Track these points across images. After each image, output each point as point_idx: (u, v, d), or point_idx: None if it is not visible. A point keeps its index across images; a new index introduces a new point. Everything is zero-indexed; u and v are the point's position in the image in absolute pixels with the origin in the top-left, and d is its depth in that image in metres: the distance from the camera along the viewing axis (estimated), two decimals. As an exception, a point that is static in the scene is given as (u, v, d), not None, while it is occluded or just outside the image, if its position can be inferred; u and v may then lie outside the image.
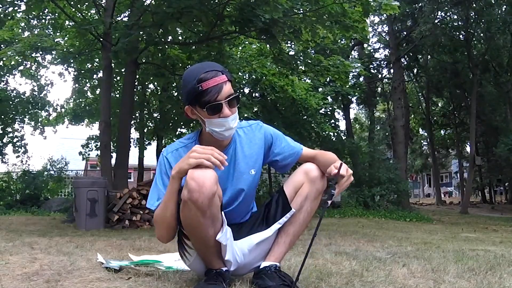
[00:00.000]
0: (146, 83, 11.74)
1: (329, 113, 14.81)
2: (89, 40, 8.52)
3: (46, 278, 1.74)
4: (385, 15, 15.32)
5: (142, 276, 1.82)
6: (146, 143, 13.60)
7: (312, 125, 12.00)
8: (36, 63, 11.87)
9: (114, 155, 8.45)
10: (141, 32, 6.43)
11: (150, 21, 6.58)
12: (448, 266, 2.20)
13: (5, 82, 12.97)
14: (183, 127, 11.78)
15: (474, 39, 17.00)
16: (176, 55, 8.91)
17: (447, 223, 9.95)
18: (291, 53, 10.19)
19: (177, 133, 11.96)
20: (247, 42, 11.06)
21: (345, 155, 13.59)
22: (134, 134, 12.96)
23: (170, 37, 8.24)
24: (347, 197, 15.31)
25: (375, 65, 19.25)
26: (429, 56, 19.44)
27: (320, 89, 12.89)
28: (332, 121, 14.54)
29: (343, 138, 15.16)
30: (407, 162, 18.31)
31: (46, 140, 15.75)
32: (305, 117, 12.09)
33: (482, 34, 16.40)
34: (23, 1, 8.31)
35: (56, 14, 9.46)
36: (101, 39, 7.47)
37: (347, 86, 11.88)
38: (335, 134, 14.30)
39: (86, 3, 8.55)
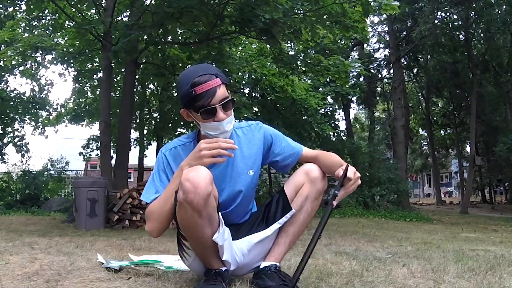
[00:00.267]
0: (146, 83, 11.74)
1: (329, 113, 14.81)
2: (89, 40, 8.53)
3: (46, 278, 1.74)
4: (385, 15, 15.33)
5: (142, 276, 1.82)
6: (146, 143, 13.60)
7: (312, 125, 12.00)
8: (36, 63, 11.87)
9: (114, 155, 8.46)
10: (141, 32, 6.43)
11: (150, 21, 6.58)
12: (448, 266, 2.20)
13: (5, 82, 12.96)
14: (183, 127, 11.78)
15: (474, 39, 17.00)
16: (176, 55, 8.91)
17: (447, 223, 9.95)
18: (291, 53, 10.18)
19: (177, 133, 11.95)
20: (247, 42, 11.06)
21: (345, 155, 13.58)
22: (134, 134, 12.98)
23: (170, 37, 8.24)
24: (347, 197, 15.32)
25: (375, 65, 19.25)
26: (429, 56, 19.44)
27: (320, 89, 12.89)
28: (332, 121, 14.54)
29: (343, 138, 15.15)
30: (407, 162, 18.32)
31: (46, 140, 15.81)
32: (305, 117, 12.08)
33: (482, 34, 16.41)
34: (24, 1, 8.31)
35: (56, 15, 9.46)
36: (101, 39, 7.47)
37: (347, 86, 11.88)
38: (335, 134, 14.29)
39: (86, 3, 8.55)
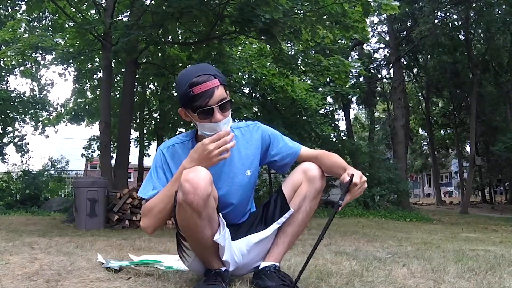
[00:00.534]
0: (146, 83, 11.74)
1: (329, 113, 14.81)
2: (89, 40, 8.53)
3: (46, 278, 1.74)
4: (385, 15, 15.33)
5: (142, 276, 1.82)
6: (147, 143, 13.61)
7: (312, 125, 12.00)
8: (36, 63, 11.87)
9: (114, 155, 8.46)
10: (141, 32, 6.43)
11: (150, 21, 6.58)
12: (448, 266, 2.20)
13: (5, 82, 12.96)
14: (183, 127, 11.78)
15: (474, 39, 17.00)
16: (176, 55, 8.91)
17: (447, 223, 9.95)
18: (291, 53, 10.18)
19: (177, 132, 11.96)
20: (247, 42, 11.06)
21: (345, 155, 13.59)
22: (134, 134, 12.99)
23: (170, 37, 8.24)
24: (347, 197, 15.29)
25: (375, 65, 19.25)
26: (429, 56, 19.43)
27: (319, 89, 12.89)
28: (332, 121, 14.53)
29: (343, 138, 15.15)
30: (407, 162, 18.32)
31: (46, 140, 15.82)
32: (305, 117, 12.09)
33: (482, 34, 16.41)
34: (24, 1, 8.32)
35: (56, 15, 9.46)
36: (101, 39, 7.47)
37: (347, 86, 11.88)
38: (335, 134, 14.29)
39: (86, 3, 8.55)
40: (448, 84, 19.63)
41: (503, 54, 17.28)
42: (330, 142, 13.39)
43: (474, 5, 14.97)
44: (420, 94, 23.53)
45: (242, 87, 11.77)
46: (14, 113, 13.26)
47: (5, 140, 13.76)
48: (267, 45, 8.74)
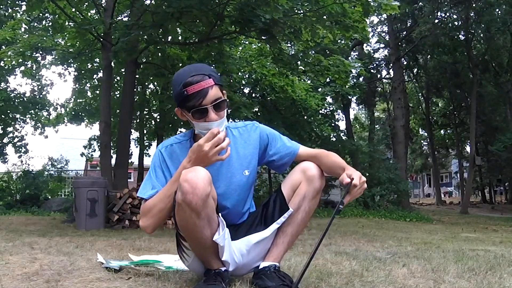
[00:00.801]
0: (146, 83, 11.74)
1: (329, 113, 14.81)
2: (89, 40, 8.53)
3: (46, 278, 1.74)
4: (385, 15, 15.33)
5: (142, 276, 1.82)
6: (147, 143, 13.61)
7: (312, 126, 12.00)
8: (36, 63, 11.88)
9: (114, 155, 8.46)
10: (141, 32, 6.43)
11: (150, 21, 6.58)
12: (448, 266, 2.20)
13: (6, 82, 12.96)
14: (183, 127, 11.78)
15: (474, 39, 17.00)
16: (176, 54, 8.91)
17: (447, 223, 9.95)
18: (291, 53, 10.18)
19: (177, 132, 11.96)
20: (247, 42, 11.06)
21: (345, 155, 13.58)
22: (134, 134, 12.99)
23: (170, 37, 8.25)
24: (347, 198, 15.27)
25: (375, 65, 19.25)
26: (429, 56, 19.44)
27: (319, 90, 12.89)
28: (332, 121, 14.53)
29: (343, 138, 15.15)
30: (407, 162, 18.31)
31: (46, 140, 15.82)
32: (305, 117, 12.09)
33: (482, 34, 16.40)
34: (24, 1, 8.31)
35: (57, 16, 9.46)
36: (101, 39, 7.47)
37: (347, 86, 11.88)
38: (335, 134, 14.29)
39: (86, 3, 8.55)
40: (448, 84, 19.63)
41: (503, 54, 17.28)
42: (330, 142, 13.39)
43: (474, 5, 14.96)
44: (420, 94, 23.53)
45: (242, 87, 11.77)
46: (14, 113, 13.25)
47: (5, 140, 13.76)
48: (267, 45, 8.75)
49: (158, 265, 2.05)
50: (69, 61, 9.72)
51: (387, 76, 20.03)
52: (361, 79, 15.37)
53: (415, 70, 21.10)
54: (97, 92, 11.66)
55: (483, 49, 17.29)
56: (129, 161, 9.26)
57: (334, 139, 14.03)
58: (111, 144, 8.40)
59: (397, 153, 15.65)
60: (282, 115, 11.86)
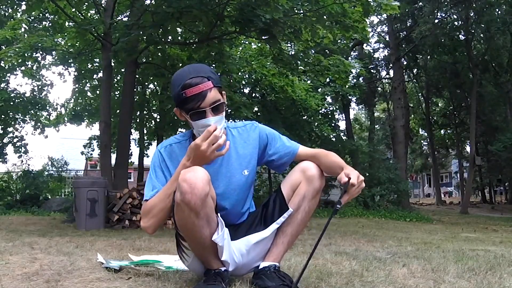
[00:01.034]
0: (146, 83, 11.74)
1: (329, 113, 14.81)
2: (89, 40, 8.53)
3: (46, 278, 1.74)
4: (385, 15, 15.33)
5: (142, 276, 1.82)
6: (147, 143, 13.61)
7: (312, 126, 12.00)
8: (36, 63, 11.88)
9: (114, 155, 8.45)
10: (141, 32, 6.43)
11: (150, 21, 6.58)
12: (448, 266, 2.20)
13: (6, 82, 12.97)
14: (183, 127, 11.79)
15: (474, 39, 17.00)
16: (176, 54, 8.91)
17: (447, 223, 9.95)
18: (291, 53, 10.19)
19: (177, 132, 11.96)
20: (247, 42, 11.06)
21: (345, 155, 13.58)
22: (135, 135, 12.99)
23: (170, 37, 8.24)
24: (347, 197, 15.25)
25: (374, 65, 19.25)
26: (429, 56, 19.44)
27: (319, 90, 12.89)
28: (332, 122, 14.53)
29: (343, 138, 15.15)
30: (407, 162, 18.31)
31: (46, 140, 15.81)
32: (305, 117, 12.09)
33: (482, 34, 16.40)
34: (24, 1, 8.31)
35: (56, 17, 9.46)
36: (101, 39, 7.47)
37: (347, 86, 11.88)
38: (335, 135, 14.30)
39: (86, 3, 8.55)
40: (448, 84, 19.63)
41: (503, 54, 17.28)
42: (330, 142, 13.40)
43: (474, 5, 14.96)
44: (420, 94, 23.54)
45: (242, 87, 11.78)
46: (14, 113, 13.24)
47: (5, 140, 13.75)
48: (267, 45, 8.75)
49: (158, 265, 2.05)
50: (69, 61, 9.71)
51: (387, 76, 20.04)
52: (361, 79, 15.37)
53: (415, 70, 21.10)
54: (97, 92, 11.66)
55: (483, 49, 17.29)
56: (129, 161, 9.26)
57: (334, 139, 14.03)
58: (111, 144, 8.41)
59: (397, 153, 15.65)
60: (282, 115, 11.86)
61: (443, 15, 16.38)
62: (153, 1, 7.88)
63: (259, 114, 11.39)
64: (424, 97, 22.72)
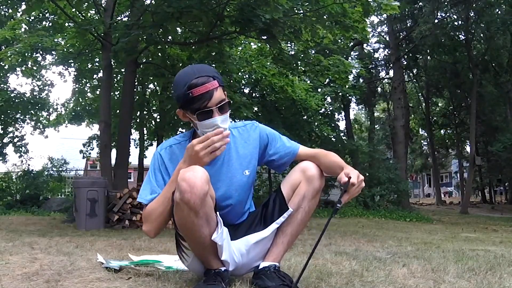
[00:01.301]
0: (146, 83, 11.74)
1: (329, 113, 14.81)
2: (89, 40, 8.53)
3: (46, 278, 1.74)
4: (385, 15, 15.33)
5: (142, 276, 1.82)
6: (148, 143, 13.61)
7: (312, 126, 12.00)
8: (36, 63, 11.88)
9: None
10: (141, 32, 6.43)
11: (150, 21, 6.58)
12: (448, 266, 2.20)
13: (5, 83, 12.96)
14: (183, 127, 11.79)
15: (474, 39, 17.00)
16: (176, 54, 8.91)
17: (447, 223, 9.95)
18: (291, 53, 10.19)
19: (178, 132, 11.96)
20: (247, 42, 11.07)
21: (345, 155, 13.58)
22: (135, 135, 12.99)
23: (170, 37, 8.25)
24: (347, 197, 15.25)
25: (374, 65, 19.24)
26: (429, 57, 19.44)
27: (319, 90, 12.89)
28: (332, 122, 14.52)
29: (343, 138, 15.15)
30: (407, 162, 18.31)
31: (46, 140, 15.79)
32: (305, 117, 12.09)
33: (482, 34, 16.40)
34: (24, 1, 8.31)
35: (56, 17, 9.45)
36: (101, 39, 7.47)
37: (347, 86, 11.88)
38: (335, 135, 14.30)
39: (86, 3, 8.55)
40: (448, 84, 19.63)
41: (503, 54, 17.28)
42: (330, 142, 13.40)
43: (474, 5, 14.96)
44: (420, 94, 23.54)
45: (242, 87, 11.78)
46: (14, 113, 13.24)
47: (5, 140, 13.75)
48: (267, 45, 8.75)
49: (158, 265, 2.05)
50: (69, 61, 9.71)
51: (387, 76, 20.04)
52: (360, 79, 15.37)
53: (415, 70, 21.10)
54: (97, 92, 11.66)
55: (483, 49, 17.29)
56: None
57: (334, 139, 14.03)
58: (111, 144, 8.40)
59: (397, 153, 15.65)
60: (282, 115, 11.86)
61: (443, 15, 16.38)
62: (153, 1, 7.88)
63: (259, 114, 11.38)
64: (424, 97, 22.72)
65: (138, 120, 12.14)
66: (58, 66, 11.58)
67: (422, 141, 29.76)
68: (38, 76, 13.42)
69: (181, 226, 1.47)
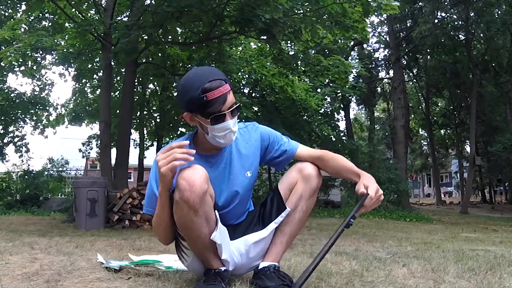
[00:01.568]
0: (146, 83, 11.74)
1: (328, 113, 14.81)
2: (89, 40, 8.53)
3: (46, 278, 1.74)
4: (385, 15, 15.32)
5: (142, 276, 1.82)
6: (149, 144, 13.60)
7: (312, 126, 12.00)
8: (36, 63, 11.88)
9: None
10: (141, 32, 6.43)
11: (150, 21, 6.58)
12: (448, 266, 2.20)
13: (4, 83, 12.96)
14: (183, 127, 11.79)
15: (474, 39, 17.00)
16: (176, 54, 8.90)
17: (447, 223, 9.94)
18: (291, 53, 10.19)
19: (178, 132, 11.96)
20: (247, 42, 11.06)
21: (345, 155, 13.57)
22: (135, 135, 12.98)
23: (170, 37, 8.25)
24: (347, 197, 15.30)
25: (374, 65, 19.24)
26: (429, 56, 19.44)
27: (318, 90, 12.89)
28: (332, 121, 14.52)
29: (343, 138, 15.14)
30: (407, 162, 18.31)
31: (46, 140, 15.79)
32: (305, 117, 12.08)
33: (482, 35, 16.41)
34: (24, 1, 8.30)
35: (56, 17, 9.45)
36: (101, 39, 7.47)
37: (347, 87, 11.88)
38: (335, 135, 14.29)
39: (86, 4, 8.55)
40: (448, 84, 19.64)
41: (503, 54, 17.28)
42: (330, 142, 13.39)
43: (474, 5, 14.97)
44: (420, 94, 23.54)
45: (242, 87, 11.78)
46: (15, 112, 13.24)
47: (5, 140, 13.75)
48: (267, 45, 8.74)
49: (158, 265, 2.05)
50: (70, 61, 9.70)
51: (387, 76, 20.04)
52: (360, 79, 15.37)
53: (415, 70, 21.11)
54: (97, 92, 11.66)
55: (483, 49, 17.29)
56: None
57: (334, 139, 14.03)
58: (111, 144, 8.40)
59: (397, 153, 15.65)
60: (282, 115, 11.86)
61: (443, 15, 16.39)
62: (153, 1, 7.88)
63: (259, 114, 11.38)
64: (424, 97, 22.72)
65: (138, 120, 12.13)
66: (58, 66, 11.58)
67: (422, 141, 29.78)
68: (38, 76, 13.41)
69: (181, 225, 1.47)
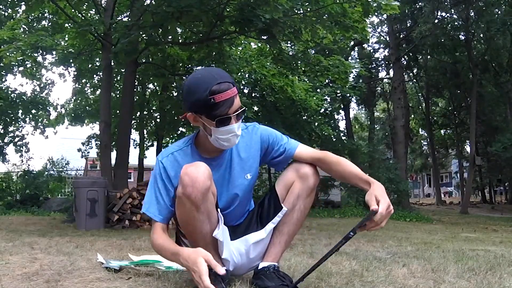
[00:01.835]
0: (146, 83, 11.74)
1: (328, 113, 14.80)
2: (89, 40, 8.53)
3: (46, 278, 1.74)
4: (385, 15, 15.33)
5: (142, 276, 1.82)
6: (149, 144, 13.60)
7: (312, 126, 12.00)
8: (36, 64, 11.88)
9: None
10: (141, 32, 6.43)
11: (150, 21, 6.58)
12: (448, 266, 2.20)
13: (4, 81, 12.96)
14: (183, 126, 11.79)
15: (474, 39, 17.01)
16: (176, 54, 8.90)
17: (447, 223, 9.95)
18: (291, 53, 10.19)
19: (178, 132, 11.97)
20: (247, 42, 11.06)
21: (345, 155, 13.57)
22: (135, 135, 12.98)
23: (170, 37, 8.25)
24: (347, 197, 15.29)
25: (374, 65, 19.25)
26: (429, 56, 19.44)
27: (318, 90, 12.88)
28: (332, 121, 14.52)
29: (343, 138, 15.14)
30: (407, 162, 18.31)
31: (46, 140, 15.78)
32: (305, 117, 12.08)
33: (482, 35, 16.41)
34: (23, 1, 8.30)
35: (56, 17, 9.45)
36: (101, 39, 7.47)
37: (347, 87, 11.88)
38: (335, 134, 14.28)
39: (86, 4, 8.55)
40: (448, 84, 19.64)
41: (503, 54, 17.28)
42: (330, 142, 13.39)
43: (474, 5, 14.97)
44: (420, 94, 23.55)
45: (242, 87, 11.78)
46: (15, 112, 13.24)
47: (5, 140, 13.76)
48: (267, 45, 8.75)
49: (158, 265, 2.05)
50: (70, 61, 9.71)
51: (387, 76, 20.04)
52: (360, 80, 15.37)
53: (415, 70, 21.10)
54: (97, 92, 11.66)
55: (483, 49, 17.29)
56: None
57: (334, 139, 14.02)
58: (111, 144, 8.40)
59: (397, 153, 15.65)
60: (282, 115, 11.86)
61: (443, 15, 16.39)
62: (153, 1, 7.88)
63: (259, 114, 11.38)
64: (424, 97, 22.73)
65: (138, 120, 12.14)
66: (58, 67, 11.58)
67: (422, 141, 29.79)
68: (38, 76, 13.41)
69: (183, 221, 1.47)
